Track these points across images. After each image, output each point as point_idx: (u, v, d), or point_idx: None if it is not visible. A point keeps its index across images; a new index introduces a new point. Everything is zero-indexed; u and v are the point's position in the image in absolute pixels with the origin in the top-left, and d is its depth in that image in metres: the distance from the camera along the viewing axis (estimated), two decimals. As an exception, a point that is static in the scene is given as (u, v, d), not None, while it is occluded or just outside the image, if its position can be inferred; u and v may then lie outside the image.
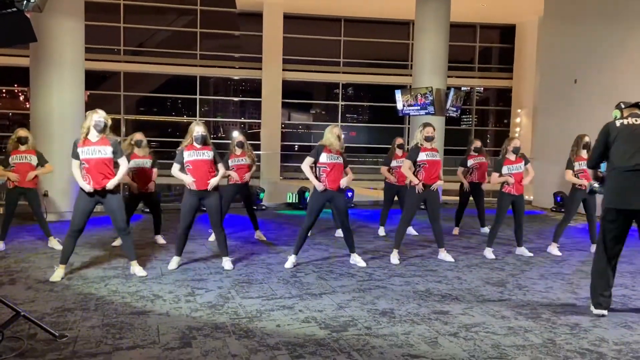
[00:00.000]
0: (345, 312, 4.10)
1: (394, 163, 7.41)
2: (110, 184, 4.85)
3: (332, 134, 5.52)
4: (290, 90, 18.08)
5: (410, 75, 12.68)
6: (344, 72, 18.40)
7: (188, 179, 5.21)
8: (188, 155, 5.24)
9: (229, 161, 6.69)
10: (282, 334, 3.60)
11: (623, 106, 4.39)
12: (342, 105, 18.98)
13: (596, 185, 4.55)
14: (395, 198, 7.58)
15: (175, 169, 5.30)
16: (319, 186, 5.49)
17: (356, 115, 19.90)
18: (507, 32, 18.93)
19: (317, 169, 5.55)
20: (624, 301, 4.55)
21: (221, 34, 18.01)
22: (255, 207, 7.92)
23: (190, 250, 6.16)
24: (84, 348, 3.30)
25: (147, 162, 6.48)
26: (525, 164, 6.25)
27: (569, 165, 6.41)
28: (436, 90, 11.22)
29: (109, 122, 4.90)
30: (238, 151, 6.82)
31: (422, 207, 6.17)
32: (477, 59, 19.23)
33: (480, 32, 18.98)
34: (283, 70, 17.47)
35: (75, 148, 4.81)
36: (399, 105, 12.07)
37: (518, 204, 6.19)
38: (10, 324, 3.38)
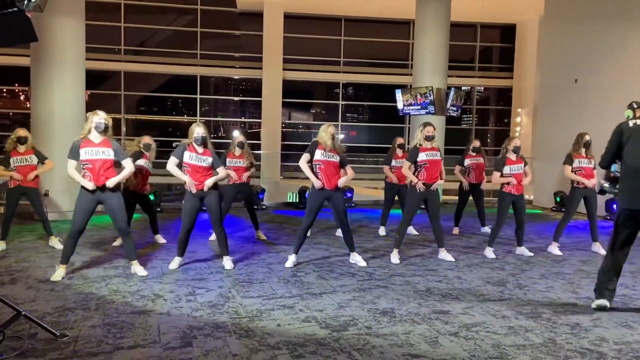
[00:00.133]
0: (345, 311, 4.11)
1: (393, 163, 7.42)
2: (111, 182, 4.84)
3: (326, 133, 5.50)
4: (290, 89, 18.08)
5: (411, 75, 12.68)
6: (344, 72, 18.40)
7: (186, 179, 5.20)
8: (188, 157, 5.22)
9: (227, 160, 6.68)
10: (283, 334, 3.60)
11: (635, 106, 4.39)
12: (342, 104, 18.98)
13: (606, 185, 4.54)
14: (396, 198, 7.58)
15: (172, 163, 5.19)
16: (317, 183, 5.48)
17: (356, 114, 19.90)
18: (507, 32, 18.92)
19: (314, 166, 5.54)
20: (625, 301, 4.55)
21: (222, 33, 18.01)
22: (255, 207, 7.93)
23: (191, 250, 6.16)
24: (84, 347, 3.30)
25: (150, 164, 6.57)
26: (524, 165, 6.24)
27: (568, 161, 6.40)
28: (436, 90, 11.22)
29: (110, 123, 4.90)
30: (237, 152, 6.82)
31: (423, 206, 6.17)
32: (477, 58, 19.22)
33: (480, 32, 18.97)
34: (283, 69, 17.47)
35: (76, 149, 4.79)
36: (400, 105, 12.08)
37: (519, 204, 6.18)
38: (11, 323, 3.39)
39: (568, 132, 7.80)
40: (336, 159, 5.53)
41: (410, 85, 12.56)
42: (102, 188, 4.82)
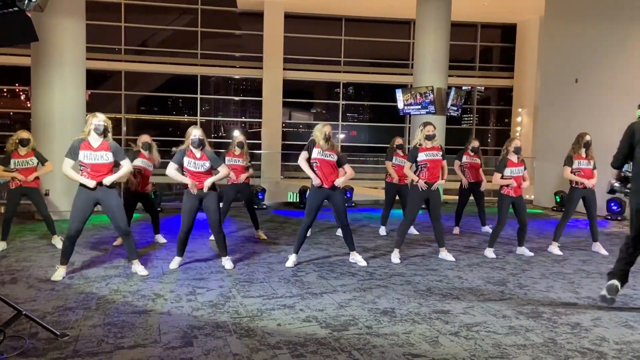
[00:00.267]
0: (346, 311, 4.11)
1: (394, 160, 7.41)
2: (108, 180, 4.83)
3: (320, 132, 5.47)
4: (291, 89, 18.09)
5: (411, 75, 12.68)
6: (344, 72, 18.40)
7: (188, 181, 5.20)
8: (187, 163, 5.22)
9: (226, 158, 6.69)
10: (283, 333, 3.60)
11: None
12: (342, 104, 18.99)
13: (617, 184, 4.53)
14: (397, 197, 7.57)
15: (171, 168, 5.22)
16: (316, 180, 5.47)
17: (357, 114, 19.90)
18: (508, 32, 18.92)
19: (311, 164, 5.53)
20: (625, 300, 4.55)
21: (222, 33, 18.02)
22: (256, 207, 7.93)
23: (191, 249, 6.17)
24: (85, 347, 3.30)
25: (150, 164, 6.53)
26: (524, 168, 6.23)
27: (568, 162, 6.39)
28: (437, 90, 11.22)
29: (109, 125, 4.89)
30: (237, 151, 6.84)
31: (424, 206, 6.17)
32: (478, 58, 19.22)
33: (481, 31, 18.97)
34: (284, 69, 17.48)
35: (75, 149, 4.78)
36: (400, 105, 12.08)
37: (519, 205, 6.18)
38: (11, 323, 3.39)
39: (568, 132, 7.80)
40: (333, 158, 5.51)
41: (411, 85, 12.56)
42: (99, 184, 4.82)
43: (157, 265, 5.46)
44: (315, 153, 5.47)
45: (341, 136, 18.88)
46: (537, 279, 5.24)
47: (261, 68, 17.42)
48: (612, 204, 9.69)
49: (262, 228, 7.46)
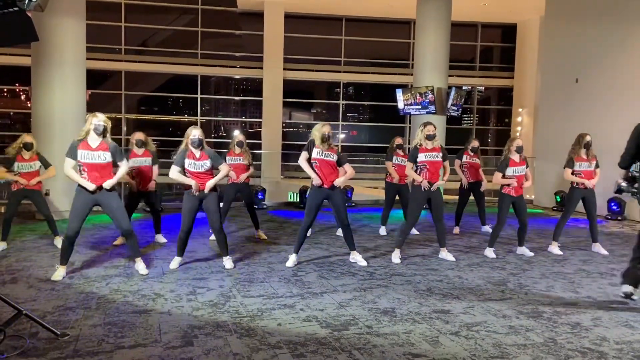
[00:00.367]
0: (346, 311, 4.11)
1: (394, 160, 7.40)
2: (108, 184, 4.85)
3: (319, 132, 5.46)
4: (291, 89, 18.08)
5: (412, 75, 12.68)
6: (345, 72, 18.40)
7: (192, 182, 5.21)
8: (188, 165, 5.22)
9: (226, 158, 6.70)
10: (284, 333, 3.61)
11: None
12: (343, 104, 18.98)
13: (624, 184, 4.53)
14: (397, 197, 7.57)
15: (174, 171, 5.23)
16: (316, 180, 5.47)
17: (357, 114, 19.90)
18: (508, 31, 18.91)
19: (311, 164, 5.53)
20: (625, 300, 4.55)
21: (222, 33, 18.01)
22: (256, 207, 7.93)
23: (191, 249, 6.17)
24: (85, 347, 3.31)
25: (146, 161, 6.43)
26: (526, 166, 6.22)
27: (569, 164, 6.38)
28: (437, 90, 11.23)
29: (109, 125, 4.90)
30: (237, 150, 6.84)
31: (425, 207, 6.16)
32: (478, 58, 19.21)
33: (481, 31, 18.96)
34: (284, 69, 17.48)
35: (74, 148, 4.79)
36: (400, 105, 12.09)
37: (519, 205, 6.17)
38: (12, 322, 3.39)
39: (569, 132, 7.80)
40: (333, 158, 5.51)
41: (411, 85, 12.56)
42: (99, 188, 4.83)
43: (158, 265, 5.47)
44: (315, 153, 5.47)
45: (341, 136, 18.88)
46: (537, 279, 5.24)
47: (261, 68, 17.42)
48: (612, 204, 9.68)
49: (262, 228, 7.46)
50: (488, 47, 19.56)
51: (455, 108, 11.80)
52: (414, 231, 7.64)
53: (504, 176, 6.08)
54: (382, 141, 18.00)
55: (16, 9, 2.97)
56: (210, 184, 5.25)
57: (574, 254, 6.49)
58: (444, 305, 4.31)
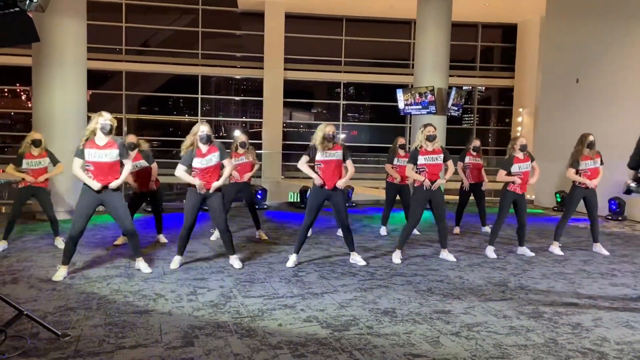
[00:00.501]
0: (347, 311, 4.11)
1: (396, 161, 7.41)
2: (114, 184, 4.87)
3: (321, 132, 5.43)
4: (291, 89, 18.09)
5: (412, 75, 12.68)
6: (345, 72, 18.40)
7: (196, 182, 5.21)
8: (198, 162, 5.21)
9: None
10: (284, 333, 3.61)
11: None
12: (343, 104, 18.99)
13: (633, 185, 4.54)
14: (397, 197, 7.57)
15: (180, 170, 5.24)
16: (317, 180, 5.47)
17: (357, 114, 19.90)
18: (508, 31, 18.91)
19: (314, 166, 5.53)
20: (626, 301, 4.55)
21: (223, 33, 18.02)
22: (256, 206, 7.93)
23: (192, 249, 6.17)
24: (86, 347, 3.31)
25: (141, 163, 6.36)
26: (532, 161, 6.22)
27: (573, 164, 6.35)
28: (438, 90, 11.23)
29: (115, 124, 4.93)
30: (240, 151, 6.85)
31: (427, 207, 6.16)
32: (478, 58, 19.21)
33: (482, 31, 18.96)
34: (284, 69, 17.48)
35: (81, 149, 4.82)
36: (401, 105, 12.09)
37: (520, 203, 6.17)
38: (13, 323, 3.39)
39: (569, 132, 7.80)
40: (338, 155, 5.49)
41: (412, 85, 12.56)
42: (104, 187, 4.85)
43: (158, 265, 5.47)
44: (319, 156, 5.46)
45: (342, 136, 18.88)
46: (538, 279, 5.24)
47: (262, 68, 17.43)
48: (612, 204, 9.67)
49: (263, 228, 7.46)
50: (488, 47, 19.56)
51: (456, 108, 11.80)
52: (415, 231, 7.64)
53: (508, 174, 6.08)
54: (383, 141, 18.00)
55: (17, 9, 2.98)
56: (216, 184, 5.27)
57: (575, 254, 6.48)
58: (444, 305, 4.31)
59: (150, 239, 6.84)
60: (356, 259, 5.75)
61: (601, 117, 10.06)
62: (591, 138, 6.33)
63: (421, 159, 5.81)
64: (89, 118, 8.71)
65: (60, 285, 4.70)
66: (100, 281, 4.84)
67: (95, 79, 14.26)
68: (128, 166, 5.04)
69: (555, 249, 6.55)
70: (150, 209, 6.88)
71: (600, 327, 3.86)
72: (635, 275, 5.51)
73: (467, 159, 7.66)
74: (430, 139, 5.82)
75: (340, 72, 18.37)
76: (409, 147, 7.02)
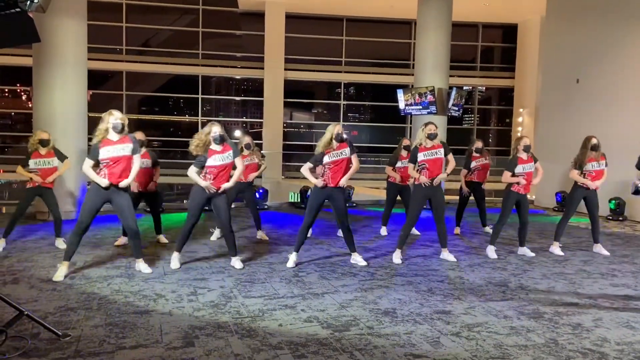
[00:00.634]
0: (347, 311, 4.11)
1: (399, 164, 7.38)
2: (124, 183, 4.91)
3: (329, 132, 5.49)
4: (292, 89, 18.10)
5: (412, 75, 12.67)
6: (345, 72, 18.41)
7: (203, 183, 5.24)
8: (213, 161, 5.23)
9: None
10: (285, 334, 3.61)
11: None
12: (344, 104, 18.99)
13: None
14: (398, 198, 7.56)
15: (192, 171, 5.28)
16: (319, 183, 5.49)
17: (358, 114, 19.91)
18: (509, 32, 18.92)
19: (324, 168, 5.55)
20: (626, 301, 4.55)
21: (223, 33, 18.03)
22: (258, 207, 7.93)
23: (192, 249, 6.18)
24: (87, 347, 3.31)
25: (145, 162, 6.35)
26: (535, 162, 6.22)
27: (578, 166, 6.33)
28: (438, 90, 11.22)
29: (126, 122, 4.97)
30: (246, 152, 6.87)
31: (427, 207, 6.15)
32: (479, 58, 19.21)
33: (482, 32, 18.97)
34: (285, 69, 17.49)
35: (96, 150, 4.85)
36: (401, 105, 12.08)
37: (522, 203, 6.18)
38: (13, 323, 3.39)
39: (570, 132, 7.80)
40: (346, 153, 5.50)
41: (412, 85, 12.56)
42: (114, 186, 4.89)
43: (159, 266, 5.47)
44: (327, 158, 5.47)
45: (342, 136, 18.85)
46: (538, 280, 5.24)
47: (262, 68, 17.43)
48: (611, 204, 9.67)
49: (263, 228, 7.46)
50: (489, 48, 19.56)
51: (456, 108, 11.80)
52: (416, 231, 7.64)
53: (513, 175, 6.08)
54: (383, 141, 18.02)
55: (18, 10, 2.98)
56: (225, 186, 5.31)
57: (575, 255, 6.48)
58: (445, 305, 4.31)
59: (150, 239, 6.85)
60: (357, 259, 5.75)
61: (601, 117, 10.05)
62: (594, 141, 6.30)
63: (420, 156, 5.82)
64: (89, 118, 8.77)
65: (60, 285, 4.71)
66: (101, 281, 4.84)
67: (95, 79, 14.28)
68: (137, 162, 5.07)
69: (556, 249, 6.55)
70: (149, 210, 6.88)
71: (601, 327, 3.86)
72: (635, 275, 5.51)
73: (473, 164, 7.56)
74: (432, 137, 5.82)
75: (340, 72, 18.38)
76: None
